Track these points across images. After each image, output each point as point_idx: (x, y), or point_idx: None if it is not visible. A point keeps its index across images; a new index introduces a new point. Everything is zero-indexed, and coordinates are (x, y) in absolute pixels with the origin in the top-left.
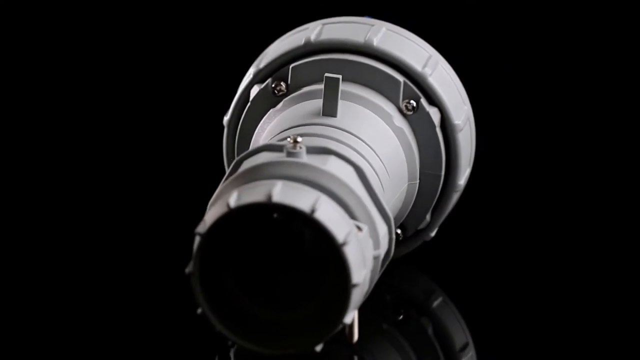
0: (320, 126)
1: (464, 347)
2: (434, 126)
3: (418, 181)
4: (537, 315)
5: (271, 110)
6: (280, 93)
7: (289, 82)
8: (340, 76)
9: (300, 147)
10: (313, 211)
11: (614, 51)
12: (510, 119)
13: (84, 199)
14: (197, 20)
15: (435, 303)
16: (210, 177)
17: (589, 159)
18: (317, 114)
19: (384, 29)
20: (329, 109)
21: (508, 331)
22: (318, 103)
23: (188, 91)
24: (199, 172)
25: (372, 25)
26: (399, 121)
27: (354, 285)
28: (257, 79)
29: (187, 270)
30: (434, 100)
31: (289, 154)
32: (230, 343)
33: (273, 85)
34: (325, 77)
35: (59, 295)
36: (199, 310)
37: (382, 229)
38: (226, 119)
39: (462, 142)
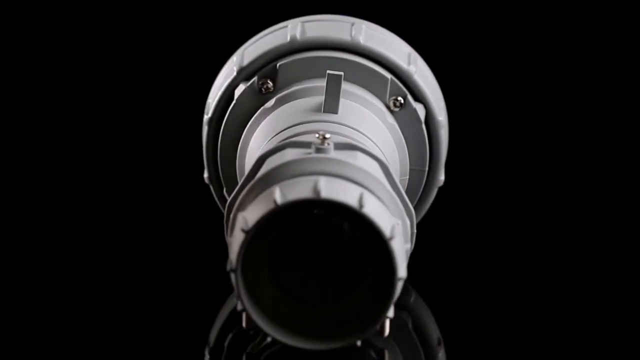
0: (326, 123)
1: (441, 341)
2: (420, 122)
3: (408, 177)
4: (509, 310)
5: (262, 108)
6: (267, 91)
7: (276, 79)
8: (342, 73)
9: (329, 144)
10: (361, 206)
11: (610, 52)
12: (490, 119)
13: (52, 199)
14: (150, 21)
15: (411, 299)
16: (181, 174)
17: (561, 156)
18: (316, 111)
19: (364, 26)
20: (331, 106)
21: (479, 326)
22: (314, 100)
23: (149, 92)
24: (169, 169)
25: (353, 23)
26: (390, 117)
27: (400, 279)
28: (241, 77)
29: (229, 267)
30: (418, 96)
31: (318, 150)
32: (269, 340)
33: (260, 83)
34: (328, 74)
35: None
36: (239, 307)
37: (407, 223)
38: (207, 117)
39: (444, 138)
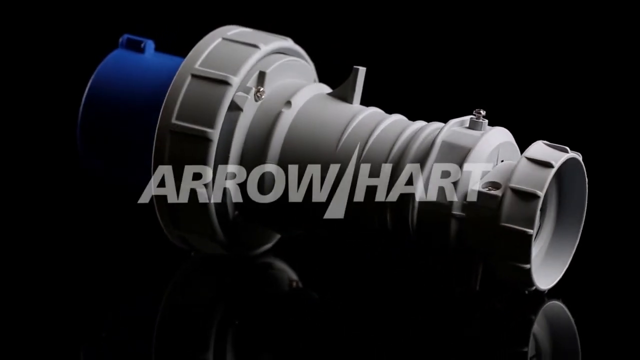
0: (372, 109)
1: None
2: None
3: None
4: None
5: (282, 110)
6: (261, 97)
7: (264, 85)
8: (365, 68)
9: (484, 119)
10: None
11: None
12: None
13: None
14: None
15: None
16: None
17: None
18: (345, 104)
19: (264, 32)
20: (356, 98)
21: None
22: (326, 96)
23: None
24: None
25: (265, 31)
26: None
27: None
28: (234, 88)
29: (529, 232)
30: None
31: (476, 125)
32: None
33: (257, 91)
34: (359, 69)
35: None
36: (528, 267)
37: None
38: (210, 131)
39: None
